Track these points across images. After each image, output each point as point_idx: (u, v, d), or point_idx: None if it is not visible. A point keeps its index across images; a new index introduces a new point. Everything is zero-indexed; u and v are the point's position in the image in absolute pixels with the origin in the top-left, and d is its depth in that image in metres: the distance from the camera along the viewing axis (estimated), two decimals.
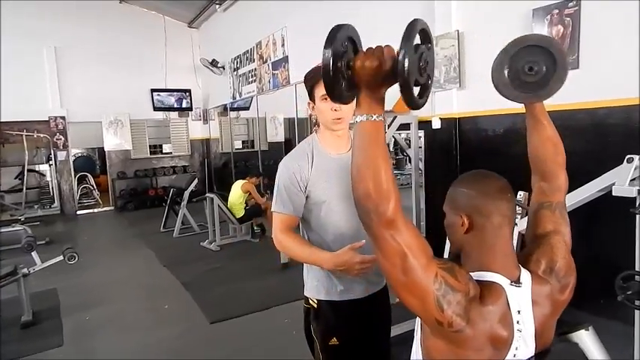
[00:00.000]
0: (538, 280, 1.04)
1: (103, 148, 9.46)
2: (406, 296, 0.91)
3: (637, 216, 2.08)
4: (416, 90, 0.93)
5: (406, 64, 0.83)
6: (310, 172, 1.51)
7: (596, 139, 2.95)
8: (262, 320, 3.41)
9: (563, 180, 1.23)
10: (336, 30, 0.90)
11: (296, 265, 4.41)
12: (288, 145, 9.66)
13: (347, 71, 0.91)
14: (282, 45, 6.55)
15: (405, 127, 4.15)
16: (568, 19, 3.00)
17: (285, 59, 6.52)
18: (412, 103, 0.91)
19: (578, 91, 2.99)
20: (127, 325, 3.50)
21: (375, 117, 0.91)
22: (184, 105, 9.88)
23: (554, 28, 3.09)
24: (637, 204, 2.06)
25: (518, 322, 0.96)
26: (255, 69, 7.49)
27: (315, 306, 1.57)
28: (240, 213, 5.74)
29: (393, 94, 0.96)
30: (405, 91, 0.87)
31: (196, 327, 3.35)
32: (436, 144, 4.12)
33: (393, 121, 4.00)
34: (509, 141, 3.49)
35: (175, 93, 9.78)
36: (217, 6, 8.21)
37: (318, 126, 1.63)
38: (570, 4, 2.97)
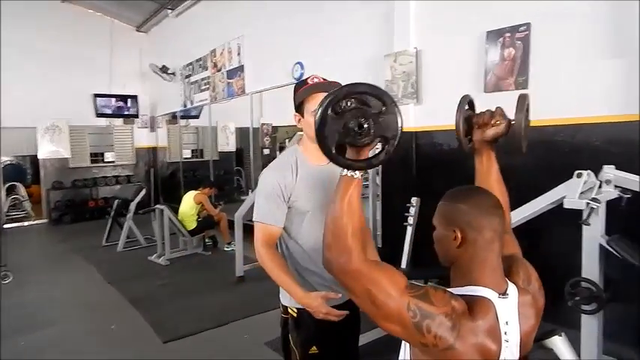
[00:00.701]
0: (521, 291, 1.08)
1: (35, 155, 8.74)
2: (386, 325, 0.96)
3: (583, 226, 2.23)
4: None
5: (326, 131, 0.94)
6: (295, 182, 1.50)
7: (545, 155, 3.14)
8: (220, 337, 3.27)
9: (508, 216, 1.30)
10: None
11: (252, 278, 4.38)
12: (240, 154, 9.52)
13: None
14: (238, 54, 6.46)
15: None
16: (519, 42, 3.20)
17: (241, 68, 6.44)
18: (340, 165, 0.99)
19: None
20: (71, 349, 3.19)
21: (350, 173, 1.00)
22: (130, 112, 9.43)
23: (505, 50, 3.28)
24: (584, 216, 2.20)
25: (505, 334, 0.98)
26: (209, 77, 7.32)
27: (295, 315, 1.54)
28: (192, 225, 5.53)
29: None
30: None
31: (148, 348, 3.14)
32: (394, 156, 4.20)
33: None
34: (463, 155, 3.63)
35: (120, 99, 9.32)
36: (169, 11, 7.97)
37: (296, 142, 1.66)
38: (521, 28, 3.18)
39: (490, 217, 1.03)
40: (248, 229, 4.80)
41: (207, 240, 5.81)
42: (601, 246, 2.22)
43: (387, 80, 4.12)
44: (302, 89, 1.52)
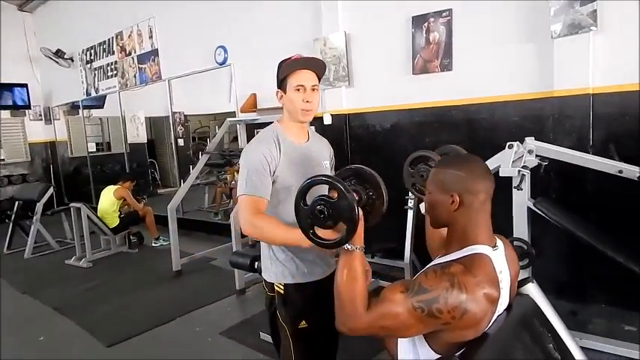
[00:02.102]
0: (504, 242, 1.24)
1: None
2: (409, 333, 1.10)
3: (514, 191, 2.53)
4: None
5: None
6: (279, 156, 1.51)
7: (469, 132, 3.46)
8: (170, 333, 3.13)
9: None
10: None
11: (190, 272, 4.24)
12: (152, 146, 8.96)
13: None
14: (150, 37, 6.04)
15: None
16: (442, 26, 3.45)
17: (155, 52, 6.04)
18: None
19: (452, 90, 3.49)
20: None
21: (350, 247, 1.15)
22: (19, 102, 8.34)
23: (431, 35, 3.53)
24: (516, 182, 2.50)
25: (501, 281, 1.12)
26: (116, 62, 6.74)
27: (282, 291, 1.57)
28: (114, 222, 5.14)
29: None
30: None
31: (91, 354, 2.91)
32: (327, 139, 4.31)
33: None
34: (394, 135, 3.86)
35: (6, 87, 8.18)
36: None
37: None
38: (444, 13, 3.43)
39: (484, 181, 1.16)
40: (182, 223, 4.62)
41: (132, 237, 5.44)
42: (529, 208, 2.54)
43: None
44: (285, 64, 1.54)
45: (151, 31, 6.03)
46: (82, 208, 4.82)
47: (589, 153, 2.75)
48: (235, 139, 5.39)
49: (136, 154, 8.64)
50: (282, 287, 1.57)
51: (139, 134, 8.75)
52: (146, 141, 8.76)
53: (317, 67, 1.57)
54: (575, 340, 1.34)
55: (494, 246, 1.18)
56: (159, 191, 8.88)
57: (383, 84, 3.93)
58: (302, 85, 1.51)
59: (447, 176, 1.18)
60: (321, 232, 1.18)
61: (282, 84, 1.56)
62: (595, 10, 2.73)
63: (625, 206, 2.72)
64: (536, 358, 1.19)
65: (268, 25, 4.70)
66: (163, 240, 5.37)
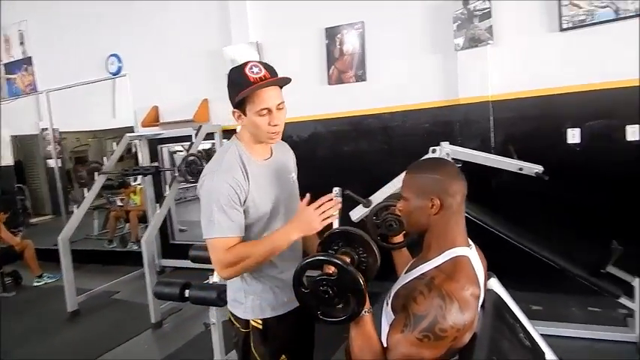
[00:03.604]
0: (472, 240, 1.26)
1: None
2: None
3: None
4: None
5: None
6: (248, 183, 1.31)
7: (385, 139, 3.59)
8: None
9: None
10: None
11: (90, 310, 3.67)
12: (20, 169, 7.75)
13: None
14: (22, 43, 5.24)
15: (209, 136, 4.02)
16: (356, 38, 3.55)
17: (28, 61, 5.25)
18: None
19: (367, 99, 3.61)
20: None
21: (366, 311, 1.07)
22: None
23: (344, 46, 3.61)
24: None
25: (479, 278, 1.13)
26: None
27: (261, 327, 1.39)
28: None
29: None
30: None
31: None
32: None
33: (199, 131, 3.81)
34: (312, 144, 3.85)
35: None
36: None
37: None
38: (356, 25, 3.54)
39: (460, 181, 1.16)
40: (77, 255, 4.00)
41: (5, 278, 4.56)
42: None
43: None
44: (244, 90, 1.25)
45: (21, 37, 5.23)
46: None
47: (491, 154, 3.03)
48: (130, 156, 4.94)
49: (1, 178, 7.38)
50: (260, 322, 1.39)
51: (1, 156, 7.53)
52: (13, 163, 7.59)
53: (282, 81, 1.32)
54: (536, 329, 1.40)
55: (469, 245, 1.19)
56: (31, 221, 7.69)
57: (299, 95, 3.86)
58: (267, 108, 1.27)
59: (424, 180, 1.15)
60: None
61: (240, 105, 1.30)
62: (491, 26, 3.05)
63: (525, 199, 3.04)
64: (517, 349, 1.22)
65: (171, 33, 4.40)
66: (48, 277, 4.62)
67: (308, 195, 1.31)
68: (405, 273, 1.22)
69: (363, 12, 3.52)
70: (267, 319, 1.38)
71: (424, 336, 0.97)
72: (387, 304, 1.20)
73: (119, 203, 5.77)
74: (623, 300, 2.38)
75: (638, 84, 2.78)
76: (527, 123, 3.10)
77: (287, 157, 1.54)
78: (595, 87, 2.91)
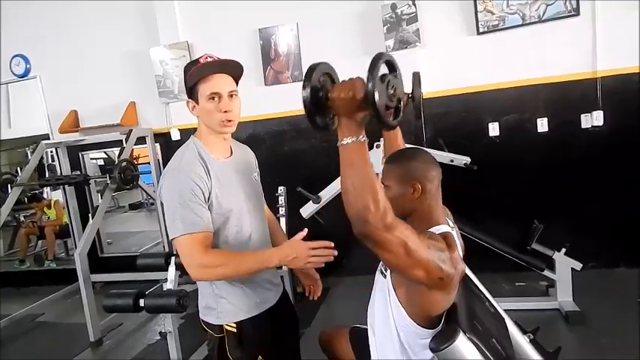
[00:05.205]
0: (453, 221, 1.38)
1: None
2: (414, 272, 1.04)
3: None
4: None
5: (376, 96, 0.93)
6: (210, 180, 1.29)
7: (324, 137, 3.67)
8: None
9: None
10: (313, 68, 1.03)
11: (14, 336, 3.32)
12: None
13: (326, 102, 1.01)
14: None
15: (141, 140, 3.81)
16: (291, 40, 3.60)
17: None
18: (386, 125, 1.03)
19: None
20: None
21: (360, 138, 0.98)
22: None
23: (279, 47, 3.64)
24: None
25: (461, 256, 1.25)
26: None
27: (235, 330, 1.37)
28: None
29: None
30: (378, 117, 0.97)
31: None
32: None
33: (129, 135, 3.61)
34: (251, 145, 3.76)
35: None
36: None
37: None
38: (291, 27, 3.59)
39: (436, 167, 1.28)
40: None
41: None
42: None
43: (159, 75, 3.85)
44: (194, 69, 1.30)
45: None
46: None
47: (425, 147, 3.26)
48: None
49: None
50: (233, 326, 1.37)
51: None
52: None
53: (233, 69, 1.35)
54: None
55: (452, 227, 1.31)
56: None
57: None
58: (216, 93, 1.29)
59: (404, 169, 1.25)
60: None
61: (192, 92, 1.32)
62: (418, 29, 3.28)
63: (457, 189, 3.31)
64: (487, 315, 1.36)
65: (91, 32, 4.09)
66: None
67: (306, 230, 1.32)
68: None
69: (297, 13, 3.59)
70: (240, 321, 1.37)
71: (433, 251, 1.05)
72: (382, 273, 1.27)
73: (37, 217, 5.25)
74: (546, 272, 2.70)
75: (544, 82, 3.18)
76: (453, 119, 3.39)
77: (248, 157, 1.55)
78: (509, 85, 3.26)
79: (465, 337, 1.06)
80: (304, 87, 0.99)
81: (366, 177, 0.95)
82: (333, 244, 1.27)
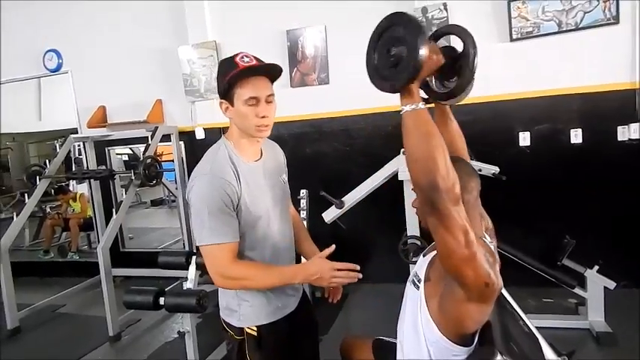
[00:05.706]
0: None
1: None
2: (465, 269, 0.98)
3: (404, 192, 2.74)
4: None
5: (475, 61, 1.11)
6: (240, 186, 1.27)
7: (347, 141, 3.64)
8: None
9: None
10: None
11: (34, 326, 3.37)
12: None
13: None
14: None
15: (166, 138, 3.84)
16: (318, 42, 3.58)
17: None
18: (471, 76, 1.14)
19: (330, 102, 3.64)
20: None
21: (422, 105, 0.98)
22: None
23: (306, 49, 3.61)
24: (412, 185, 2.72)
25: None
26: None
27: (256, 334, 1.35)
28: None
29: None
30: (471, 75, 1.13)
31: None
32: (200, 156, 4.01)
33: (155, 133, 3.64)
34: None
35: None
36: None
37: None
38: (319, 29, 3.56)
39: (475, 178, 1.22)
40: (15, 267, 3.62)
41: None
42: None
43: (185, 74, 3.87)
44: (233, 73, 1.23)
45: None
46: None
47: None
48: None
49: None
50: (254, 330, 1.35)
51: None
52: None
53: (273, 72, 1.31)
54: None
55: (491, 241, 1.25)
56: None
57: None
58: (255, 98, 1.25)
59: None
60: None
61: (227, 94, 1.27)
62: None
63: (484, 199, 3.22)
64: (522, 335, 1.30)
65: (121, 30, 4.16)
66: None
67: (333, 246, 1.31)
68: (424, 256, 1.28)
69: (325, 15, 3.56)
70: (261, 325, 1.35)
71: (482, 250, 0.99)
72: (415, 284, 1.22)
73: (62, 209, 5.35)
74: (577, 290, 2.59)
75: (578, 91, 3.07)
76: (482, 127, 3.29)
77: (277, 158, 1.52)
78: (542, 93, 3.16)
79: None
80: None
81: (438, 144, 0.94)
82: (358, 267, 1.26)
